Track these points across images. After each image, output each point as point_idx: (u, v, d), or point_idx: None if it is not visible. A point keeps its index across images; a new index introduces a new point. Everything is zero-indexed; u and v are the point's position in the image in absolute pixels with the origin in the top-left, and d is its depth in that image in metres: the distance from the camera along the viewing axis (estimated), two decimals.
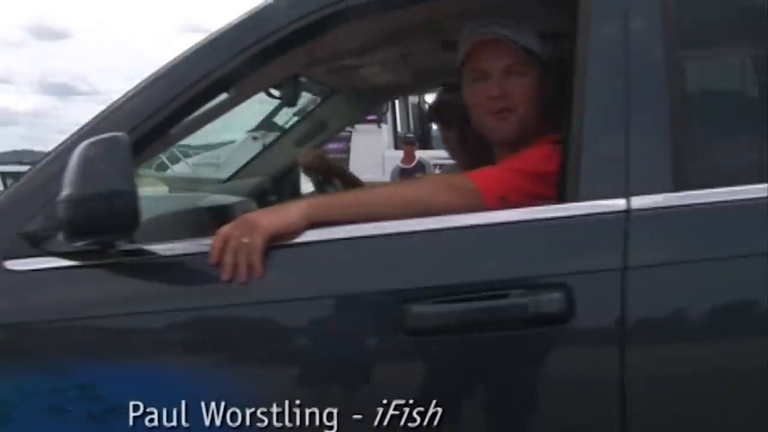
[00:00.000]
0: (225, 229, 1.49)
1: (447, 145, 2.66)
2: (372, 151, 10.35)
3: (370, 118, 10.03)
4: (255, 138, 3.77)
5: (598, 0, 1.51)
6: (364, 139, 10.43)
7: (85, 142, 1.44)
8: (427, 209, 1.52)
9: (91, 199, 1.40)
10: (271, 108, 3.50)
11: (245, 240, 1.46)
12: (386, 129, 10.86)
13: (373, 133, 10.57)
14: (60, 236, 1.49)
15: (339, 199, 1.61)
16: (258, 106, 3.03)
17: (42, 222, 1.52)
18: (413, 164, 8.70)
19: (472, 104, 1.81)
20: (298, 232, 1.49)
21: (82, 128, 1.58)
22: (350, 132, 10.47)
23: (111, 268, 1.51)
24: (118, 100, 1.61)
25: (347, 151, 10.82)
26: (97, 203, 1.40)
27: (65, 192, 1.44)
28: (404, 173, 8.52)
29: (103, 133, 1.46)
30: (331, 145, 10.58)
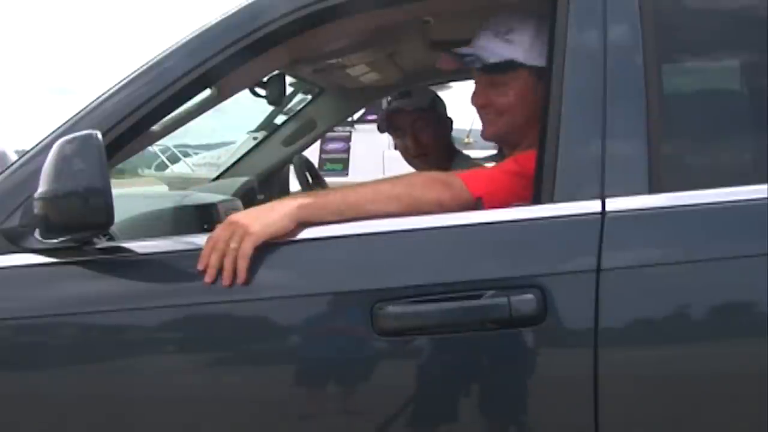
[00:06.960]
0: (215, 234, 1.47)
1: (404, 153, 2.64)
2: (372, 151, 10.30)
3: (370, 118, 10.01)
4: (255, 138, 3.78)
5: (576, 4, 1.51)
6: (364, 139, 10.39)
7: (61, 140, 1.44)
8: (418, 205, 1.51)
9: (66, 196, 1.41)
10: (271, 109, 3.50)
11: (233, 245, 1.43)
12: None
13: (373, 133, 10.52)
14: (37, 233, 1.50)
15: (329, 198, 1.55)
16: (259, 107, 3.04)
17: (20, 219, 1.53)
18: None
19: (472, 104, 1.83)
20: (286, 235, 1.47)
21: (60, 126, 1.58)
22: (350, 132, 10.45)
23: (88, 266, 1.52)
24: (98, 97, 1.61)
25: (347, 151, 10.79)
26: (71, 200, 1.41)
27: (40, 189, 1.45)
28: None
29: (81, 130, 1.46)
30: (331, 145, 10.56)
